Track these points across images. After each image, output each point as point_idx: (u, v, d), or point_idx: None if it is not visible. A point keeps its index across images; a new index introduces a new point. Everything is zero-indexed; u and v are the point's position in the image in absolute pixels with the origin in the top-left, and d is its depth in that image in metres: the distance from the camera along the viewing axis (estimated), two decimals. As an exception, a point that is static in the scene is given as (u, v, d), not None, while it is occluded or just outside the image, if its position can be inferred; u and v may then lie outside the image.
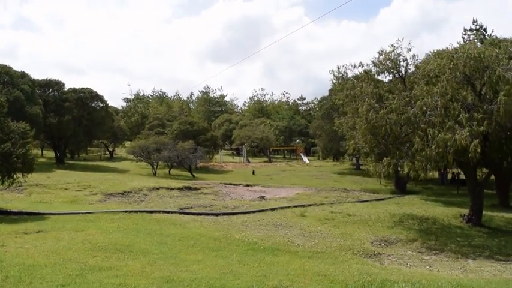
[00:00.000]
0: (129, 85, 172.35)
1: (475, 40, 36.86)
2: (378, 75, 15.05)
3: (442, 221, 16.60)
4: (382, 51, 15.15)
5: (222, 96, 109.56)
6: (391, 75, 15.16)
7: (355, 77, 15.66)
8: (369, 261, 10.98)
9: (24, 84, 38.26)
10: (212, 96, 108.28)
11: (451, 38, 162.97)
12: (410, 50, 14.75)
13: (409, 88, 14.69)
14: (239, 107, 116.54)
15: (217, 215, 16.55)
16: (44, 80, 45.33)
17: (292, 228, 14.47)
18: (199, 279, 7.90)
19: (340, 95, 15.64)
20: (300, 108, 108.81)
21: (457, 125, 11.84)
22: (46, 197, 20.33)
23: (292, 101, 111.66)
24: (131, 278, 7.85)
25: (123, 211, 16.02)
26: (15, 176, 15.64)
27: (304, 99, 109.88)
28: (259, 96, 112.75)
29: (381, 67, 14.86)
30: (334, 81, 16.44)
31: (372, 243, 12.94)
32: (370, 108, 13.16)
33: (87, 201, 19.61)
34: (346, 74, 16.07)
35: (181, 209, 17.62)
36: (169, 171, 41.49)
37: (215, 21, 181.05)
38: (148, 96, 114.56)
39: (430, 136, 11.93)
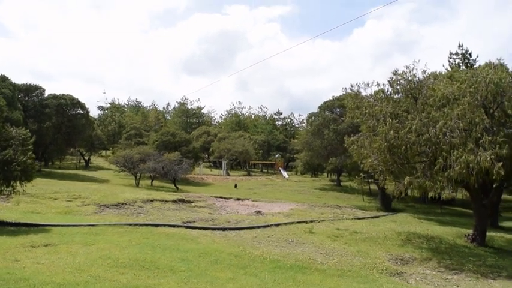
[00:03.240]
0: (104, 93, 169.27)
1: (460, 64, 37.97)
2: (395, 95, 15.13)
3: (448, 240, 16.69)
4: (396, 72, 15.29)
5: (200, 108, 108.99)
6: (404, 95, 15.24)
7: (372, 95, 15.68)
8: (396, 280, 10.85)
9: (4, 88, 36.94)
10: (190, 107, 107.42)
11: (422, 60, 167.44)
12: (425, 71, 14.98)
13: (421, 109, 14.79)
14: (216, 120, 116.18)
15: (224, 229, 16.13)
16: (23, 84, 43.99)
17: (305, 245, 14.23)
18: (244, 299, 7.60)
19: (356, 113, 15.60)
20: (277, 123, 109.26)
21: (480, 148, 11.97)
22: (37, 207, 19.40)
23: (269, 115, 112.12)
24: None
25: (127, 224, 15.42)
26: (14, 185, 14.86)
27: (281, 114, 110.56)
28: (237, 110, 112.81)
29: (396, 87, 14.98)
30: (348, 99, 16.28)
31: (389, 261, 12.83)
32: (391, 128, 13.16)
33: (82, 213, 18.82)
34: (360, 92, 16.07)
35: (184, 222, 17.11)
36: (152, 182, 40.65)
37: (191, 34, 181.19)
38: (123, 106, 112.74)
39: (454, 157, 11.99)
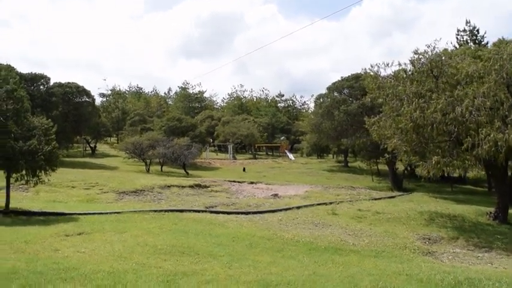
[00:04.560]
0: (104, 80, 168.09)
1: (469, 41, 37.71)
2: (416, 74, 15.04)
3: (470, 218, 16.81)
4: (417, 51, 15.20)
5: (201, 92, 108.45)
6: (425, 74, 15.16)
7: (393, 76, 15.61)
8: (430, 259, 10.98)
9: (11, 78, 36.65)
10: (191, 92, 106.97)
11: (422, 37, 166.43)
12: (447, 49, 14.91)
13: (443, 88, 14.74)
14: (218, 104, 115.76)
15: (247, 213, 16.25)
16: (29, 73, 43.63)
17: (332, 226, 14.35)
18: (292, 282, 7.69)
19: (377, 93, 15.55)
20: (279, 105, 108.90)
21: (508, 125, 11.98)
22: (57, 196, 19.52)
23: (271, 97, 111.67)
24: (225, 283, 7.56)
25: (152, 210, 15.53)
26: (39, 174, 14.90)
27: (283, 95, 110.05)
28: (238, 93, 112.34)
29: (418, 67, 14.89)
30: (368, 79, 16.21)
31: (418, 241, 12.96)
32: (417, 108, 13.14)
33: (103, 200, 18.94)
34: (380, 72, 16.00)
35: (207, 207, 17.21)
36: (161, 168, 40.72)
37: (187, 17, 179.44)
38: (124, 92, 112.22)
39: (482, 136, 12.01)
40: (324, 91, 39.72)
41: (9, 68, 39.41)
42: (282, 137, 75.14)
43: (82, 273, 7.62)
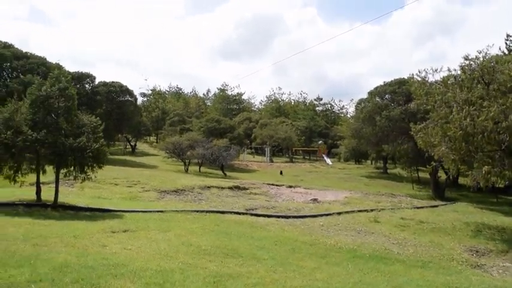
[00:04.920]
0: (145, 80, 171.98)
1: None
2: (466, 80, 14.58)
3: (519, 231, 16.15)
4: (467, 57, 14.74)
5: (240, 94, 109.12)
6: (475, 81, 14.67)
7: (441, 82, 15.19)
8: (479, 272, 10.59)
9: (63, 76, 38.03)
10: (230, 94, 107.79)
11: (467, 42, 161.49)
12: (498, 55, 14.35)
13: (494, 96, 14.20)
14: (256, 106, 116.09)
15: (287, 217, 16.19)
16: (76, 72, 45.13)
17: (374, 234, 14.09)
18: (340, 290, 7.59)
19: (424, 100, 15.18)
20: (317, 108, 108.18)
21: None
22: (102, 193, 20.05)
23: (309, 101, 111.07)
24: (270, 286, 7.55)
25: (194, 211, 15.71)
26: (87, 171, 15.35)
27: (321, 99, 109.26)
28: (276, 95, 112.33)
29: (469, 73, 14.43)
30: (415, 85, 15.82)
31: (466, 253, 12.54)
32: (467, 115, 12.74)
33: (145, 198, 19.32)
34: (427, 78, 15.60)
35: (247, 210, 17.27)
36: (200, 168, 41.23)
37: (227, 19, 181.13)
38: (165, 92, 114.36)
39: (538, 146, 11.52)
40: (363, 95, 39.38)
41: (58, 67, 41.03)
42: (320, 141, 74.57)
43: (131, 270, 7.76)
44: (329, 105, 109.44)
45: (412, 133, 16.24)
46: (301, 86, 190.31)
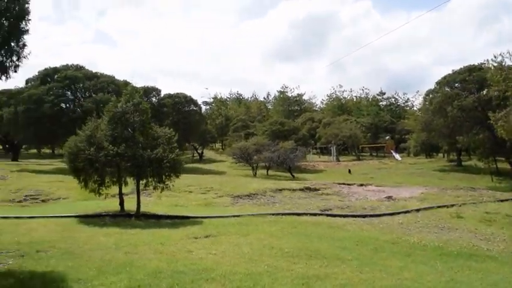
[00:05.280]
0: (206, 89, 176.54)
1: None
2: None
3: None
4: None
5: (300, 95, 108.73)
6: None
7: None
8: None
9: (136, 92, 39.96)
10: (290, 95, 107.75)
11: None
12: None
13: None
14: (317, 105, 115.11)
15: (364, 216, 15.90)
16: (142, 87, 47.14)
17: (458, 230, 13.50)
18: (433, 288, 7.34)
19: (504, 85, 14.31)
20: (381, 103, 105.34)
21: None
22: (178, 201, 20.75)
23: (371, 96, 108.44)
24: (359, 287, 7.46)
25: (270, 214, 15.84)
26: (165, 181, 15.96)
27: (384, 93, 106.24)
28: (337, 93, 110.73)
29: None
30: (492, 71, 14.97)
31: None
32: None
33: (220, 204, 19.75)
34: (505, 63, 14.71)
35: (322, 210, 17.15)
36: (267, 171, 41.50)
37: (281, 21, 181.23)
38: (226, 99, 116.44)
39: None
40: (427, 86, 38.01)
41: (126, 83, 43.05)
42: (387, 137, 72.55)
43: (220, 274, 7.97)
44: (393, 99, 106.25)
45: (491, 122, 15.37)
46: (361, 81, 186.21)
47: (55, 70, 45.13)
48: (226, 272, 8.10)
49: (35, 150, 60.79)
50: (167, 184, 15.99)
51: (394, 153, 63.71)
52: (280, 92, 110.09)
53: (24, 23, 10.05)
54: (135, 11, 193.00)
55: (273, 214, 15.70)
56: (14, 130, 42.76)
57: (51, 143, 50.84)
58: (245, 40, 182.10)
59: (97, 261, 8.85)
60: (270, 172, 42.19)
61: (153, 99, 48.33)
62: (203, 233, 12.65)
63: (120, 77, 54.59)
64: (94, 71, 46.61)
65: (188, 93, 52.01)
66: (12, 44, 9.93)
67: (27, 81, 45.37)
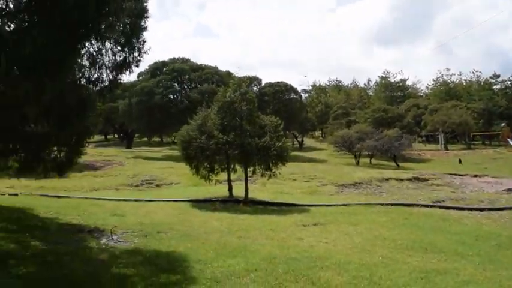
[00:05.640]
0: (305, 76, 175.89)
1: None
2: None
3: None
4: None
5: (403, 81, 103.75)
6: None
7: None
8: None
9: (242, 82, 41.35)
10: (393, 81, 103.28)
11: None
12: None
13: None
14: (422, 91, 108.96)
15: (481, 209, 14.82)
16: (243, 77, 48.34)
17: None
18: None
19: None
20: (494, 87, 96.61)
21: None
22: (283, 188, 21.05)
23: (483, 80, 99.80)
24: (488, 286, 6.99)
25: (378, 204, 15.48)
26: (272, 169, 16.28)
27: (499, 76, 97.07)
28: (445, 77, 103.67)
29: None
30: None
31: None
32: None
33: (325, 193, 19.71)
34: None
35: (434, 202, 16.32)
36: (370, 160, 40.45)
37: (379, 4, 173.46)
38: (325, 86, 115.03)
39: None
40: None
41: (229, 74, 44.50)
42: (502, 124, 66.54)
43: (334, 263, 7.95)
44: (509, 83, 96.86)
45: None
46: (470, 63, 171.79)
47: (163, 63, 48.04)
48: (339, 261, 8.07)
49: (145, 139, 65.40)
50: (274, 171, 16.30)
51: (511, 142, 58.32)
52: (382, 78, 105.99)
53: (143, 20, 10.81)
54: (232, 3, 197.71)
55: (381, 204, 15.29)
56: (128, 120, 46.40)
57: (161, 132, 54.30)
58: (344, 25, 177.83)
59: (213, 244, 9.32)
60: (373, 161, 41.07)
61: (254, 88, 49.31)
62: (311, 221, 12.71)
63: (222, 67, 56.53)
64: (199, 63, 48.84)
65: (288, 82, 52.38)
66: (133, 40, 10.73)
67: (139, 75, 48.89)
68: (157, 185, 22.86)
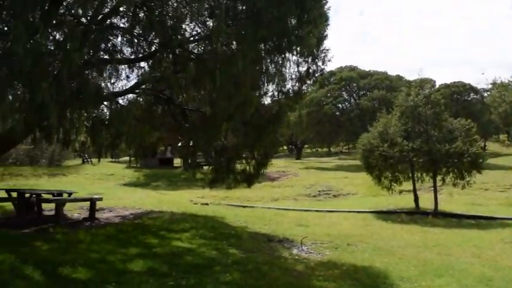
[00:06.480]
0: (482, 74, 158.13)
1: None
2: None
3: None
4: None
5: None
6: None
7: None
8: None
9: (401, 86, 39.39)
10: None
11: None
12: None
13: None
14: None
15: None
16: (415, 80, 45.71)
17: None
18: None
19: None
20: None
21: None
22: (474, 199, 19.01)
23: None
24: None
25: None
26: (466, 177, 14.71)
27: None
28: None
29: None
30: None
31: None
32: None
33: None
34: None
35: None
36: None
37: None
38: (508, 83, 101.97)
39: None
40: None
41: (399, 78, 42.50)
42: None
43: None
44: None
45: None
46: None
47: (331, 73, 48.11)
48: None
49: (312, 149, 66.08)
50: (468, 180, 14.68)
51: None
52: None
53: (324, 28, 10.63)
54: (390, 6, 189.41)
55: None
56: (299, 131, 47.52)
57: (330, 141, 54.39)
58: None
59: (412, 260, 8.60)
60: None
61: (429, 90, 46.16)
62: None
63: (391, 72, 54.38)
64: (367, 69, 47.75)
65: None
66: (315, 50, 10.62)
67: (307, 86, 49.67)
68: (335, 195, 22.67)
